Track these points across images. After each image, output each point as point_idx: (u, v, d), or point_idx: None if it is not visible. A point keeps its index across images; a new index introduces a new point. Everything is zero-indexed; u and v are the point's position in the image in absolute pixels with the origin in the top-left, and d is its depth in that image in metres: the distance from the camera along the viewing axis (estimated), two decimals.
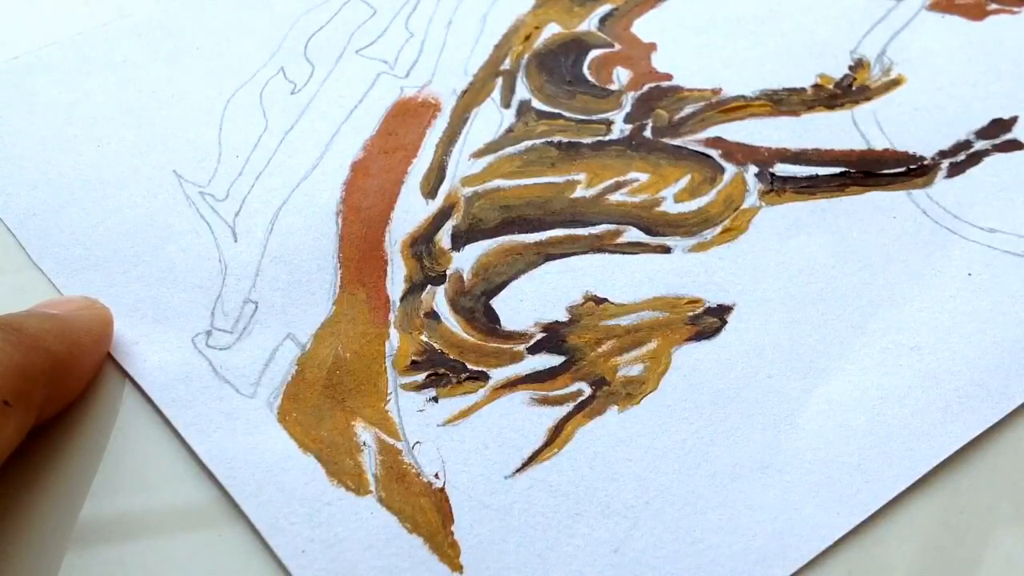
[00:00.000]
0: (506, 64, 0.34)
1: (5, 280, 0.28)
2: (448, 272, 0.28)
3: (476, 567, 0.23)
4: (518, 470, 0.24)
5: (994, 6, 0.36)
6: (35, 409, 0.23)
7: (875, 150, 0.31)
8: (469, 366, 0.26)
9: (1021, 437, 0.25)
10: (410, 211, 0.30)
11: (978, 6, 0.36)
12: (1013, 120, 0.32)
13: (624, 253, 0.29)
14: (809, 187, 0.30)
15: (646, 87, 0.34)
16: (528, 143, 0.32)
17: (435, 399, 0.26)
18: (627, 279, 0.28)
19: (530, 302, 0.28)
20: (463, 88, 0.33)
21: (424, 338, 0.27)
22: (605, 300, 0.28)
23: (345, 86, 0.34)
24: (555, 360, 0.26)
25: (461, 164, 0.31)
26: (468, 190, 0.30)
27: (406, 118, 0.32)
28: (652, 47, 0.35)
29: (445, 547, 0.23)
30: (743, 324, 0.27)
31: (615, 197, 0.30)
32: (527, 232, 0.29)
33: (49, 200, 0.30)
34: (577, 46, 0.35)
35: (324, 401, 0.25)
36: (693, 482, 0.24)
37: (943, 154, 0.31)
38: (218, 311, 0.27)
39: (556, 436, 0.25)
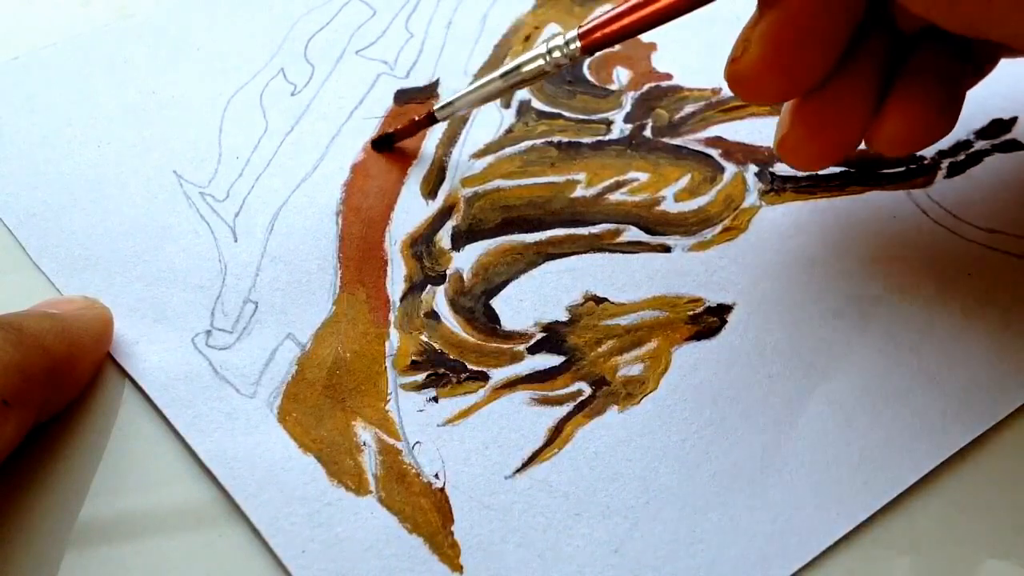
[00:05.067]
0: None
1: (5, 280, 0.28)
2: (448, 272, 0.28)
3: (476, 567, 0.23)
4: (518, 470, 0.24)
5: None
6: (35, 409, 0.23)
7: None
8: (469, 366, 0.26)
9: (1021, 437, 0.25)
10: (410, 211, 0.30)
11: None
12: (1013, 120, 0.32)
13: (624, 252, 0.29)
14: (809, 187, 0.30)
15: (646, 87, 0.34)
16: (528, 143, 0.32)
17: (435, 399, 0.26)
18: (627, 278, 0.28)
19: (530, 302, 0.28)
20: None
21: (424, 338, 0.27)
22: (605, 300, 0.28)
23: (345, 87, 0.34)
24: (555, 360, 0.26)
25: (461, 164, 0.31)
26: (468, 190, 0.30)
27: (406, 118, 0.32)
28: (652, 47, 0.35)
29: (445, 547, 0.23)
30: (743, 323, 0.27)
31: (615, 197, 0.30)
32: (527, 232, 0.29)
33: (49, 200, 0.30)
34: None
35: (324, 401, 0.25)
36: (693, 482, 0.24)
37: (943, 154, 0.31)
38: (218, 311, 0.27)
39: (556, 436, 0.25)
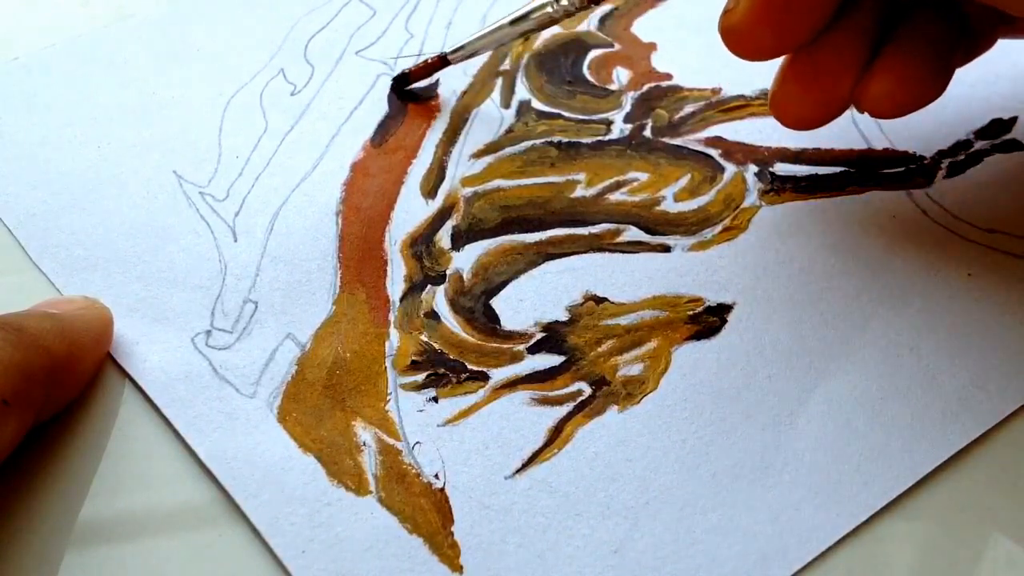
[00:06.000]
0: (506, 64, 0.34)
1: (5, 280, 0.28)
2: (448, 272, 0.28)
3: (476, 567, 0.23)
4: (518, 470, 0.24)
5: None
6: (35, 409, 0.23)
7: (875, 150, 0.31)
8: (469, 366, 0.26)
9: (1021, 437, 0.25)
10: (410, 211, 0.30)
11: None
12: (1013, 120, 0.32)
13: (624, 252, 0.29)
14: (809, 187, 0.30)
15: (646, 87, 0.34)
16: (528, 143, 0.32)
17: (435, 399, 0.26)
18: (627, 278, 0.28)
19: (530, 302, 0.28)
20: (463, 88, 0.34)
21: (424, 338, 0.27)
22: (605, 300, 0.28)
23: (345, 87, 0.34)
24: (555, 360, 0.26)
25: (461, 164, 0.31)
26: (468, 190, 0.30)
27: (406, 119, 0.33)
28: (652, 47, 0.35)
29: (445, 548, 0.23)
30: (743, 323, 0.27)
31: (615, 196, 0.30)
32: (527, 232, 0.29)
33: (49, 200, 0.30)
34: (577, 46, 0.35)
35: (324, 401, 0.25)
36: (693, 482, 0.24)
37: (943, 154, 0.31)
38: (218, 311, 0.27)
39: (556, 436, 0.25)
